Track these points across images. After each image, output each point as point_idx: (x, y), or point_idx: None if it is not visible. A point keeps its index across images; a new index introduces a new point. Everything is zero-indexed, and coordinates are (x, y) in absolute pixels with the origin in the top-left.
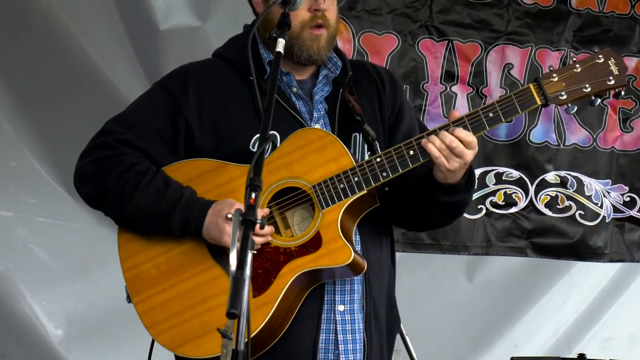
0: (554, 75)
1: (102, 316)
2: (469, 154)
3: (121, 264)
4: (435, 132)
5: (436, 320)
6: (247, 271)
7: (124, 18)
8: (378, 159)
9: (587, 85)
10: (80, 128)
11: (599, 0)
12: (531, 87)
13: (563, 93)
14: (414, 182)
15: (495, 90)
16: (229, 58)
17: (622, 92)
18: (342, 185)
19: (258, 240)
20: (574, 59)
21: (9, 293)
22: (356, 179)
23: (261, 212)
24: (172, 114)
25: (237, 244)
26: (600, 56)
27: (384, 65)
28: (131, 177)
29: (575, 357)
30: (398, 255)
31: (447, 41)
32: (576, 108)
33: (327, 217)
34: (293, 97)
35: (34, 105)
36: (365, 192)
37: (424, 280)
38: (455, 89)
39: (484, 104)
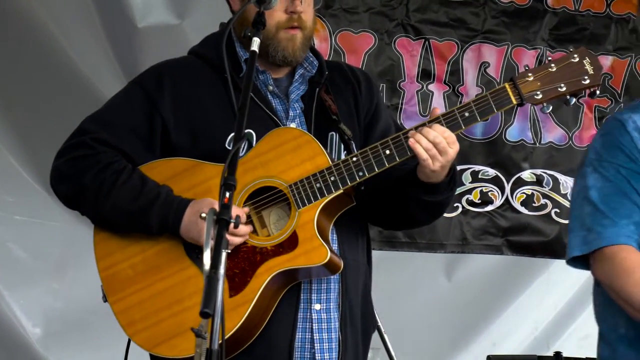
0: (529, 74)
1: (81, 314)
2: (452, 152)
3: (97, 263)
4: (409, 132)
5: (415, 318)
6: (222, 270)
7: (102, 16)
8: (354, 159)
9: (562, 85)
10: (59, 126)
11: None
12: (507, 86)
13: (538, 92)
14: (395, 181)
15: (471, 88)
16: (205, 56)
17: (597, 92)
18: (318, 185)
19: (235, 240)
20: (549, 58)
21: None
22: (332, 178)
23: (240, 210)
24: (148, 112)
25: (211, 243)
26: (576, 55)
27: (361, 64)
28: (108, 176)
29: (552, 355)
30: (377, 254)
31: (423, 40)
32: (551, 107)
33: (303, 216)
34: (269, 96)
35: (12, 104)
36: (342, 191)
37: (403, 279)
38: (431, 87)
39: (461, 102)
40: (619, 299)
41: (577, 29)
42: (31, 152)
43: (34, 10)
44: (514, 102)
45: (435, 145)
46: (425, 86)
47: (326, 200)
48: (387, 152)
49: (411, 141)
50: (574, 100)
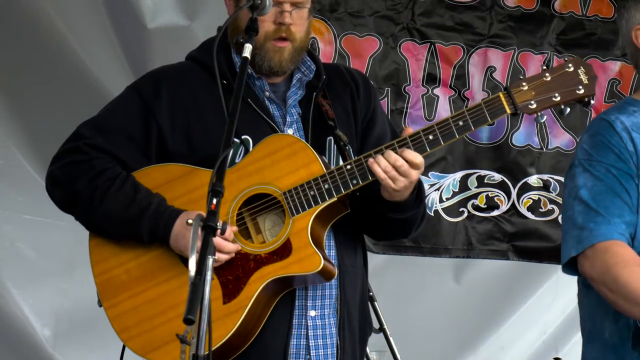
0: (524, 84)
1: (89, 314)
2: (415, 174)
3: (92, 268)
4: (404, 140)
5: (423, 321)
6: (208, 276)
7: (112, 16)
8: (348, 166)
9: (556, 95)
10: (68, 126)
11: (582, 3)
12: (501, 95)
13: (533, 102)
14: (368, 197)
15: (477, 93)
16: (202, 61)
17: (592, 102)
18: (312, 193)
19: (222, 257)
20: (544, 67)
21: None
22: (326, 186)
23: (229, 228)
24: (144, 118)
25: (197, 250)
26: (570, 65)
27: (365, 68)
28: (101, 183)
29: None
30: (384, 257)
31: (429, 44)
32: (545, 117)
33: (297, 224)
34: (266, 102)
35: (22, 103)
36: (336, 199)
37: (412, 282)
38: (437, 91)
39: (466, 106)
40: (610, 293)
41: (585, 34)
42: (41, 152)
43: (44, 10)
44: (508, 111)
45: (397, 169)
46: (430, 90)
47: (320, 208)
48: None
49: (370, 161)
50: (568, 110)
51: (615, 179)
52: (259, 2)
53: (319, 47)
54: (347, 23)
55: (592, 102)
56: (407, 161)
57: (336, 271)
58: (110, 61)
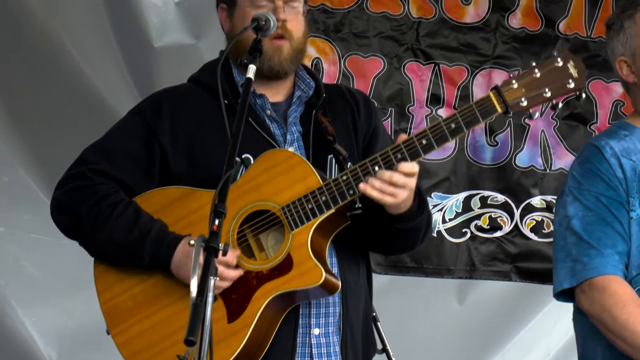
0: (514, 82)
1: (93, 333)
2: (413, 182)
3: (98, 296)
4: (398, 147)
5: (426, 342)
6: (210, 297)
7: (118, 35)
8: (344, 177)
9: (546, 90)
10: (74, 145)
11: (587, 25)
12: (491, 95)
13: (523, 99)
14: (372, 212)
15: None
16: (203, 82)
17: (583, 95)
18: (310, 206)
19: (222, 284)
20: (533, 64)
21: (0, 309)
22: (324, 198)
23: (232, 254)
24: (147, 140)
25: (199, 271)
26: (559, 59)
27: (369, 88)
28: (104, 208)
29: None
30: (387, 277)
31: (433, 64)
32: (537, 114)
33: (297, 238)
34: (267, 120)
35: (27, 122)
36: (334, 210)
37: (414, 302)
38: (441, 112)
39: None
40: (609, 333)
41: (589, 56)
42: (46, 170)
43: (51, 28)
44: (499, 110)
45: (392, 184)
46: (434, 111)
47: (319, 221)
48: (376, 168)
49: (361, 187)
50: (560, 105)
51: (605, 208)
52: (264, 23)
53: (323, 67)
54: (352, 43)
55: (584, 95)
56: (402, 173)
57: (339, 284)
58: (116, 79)
